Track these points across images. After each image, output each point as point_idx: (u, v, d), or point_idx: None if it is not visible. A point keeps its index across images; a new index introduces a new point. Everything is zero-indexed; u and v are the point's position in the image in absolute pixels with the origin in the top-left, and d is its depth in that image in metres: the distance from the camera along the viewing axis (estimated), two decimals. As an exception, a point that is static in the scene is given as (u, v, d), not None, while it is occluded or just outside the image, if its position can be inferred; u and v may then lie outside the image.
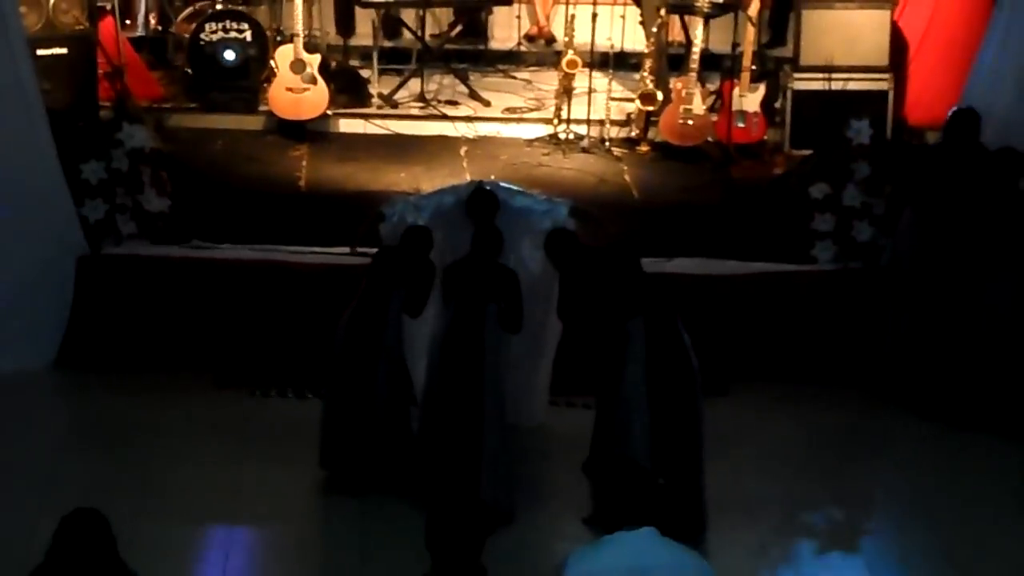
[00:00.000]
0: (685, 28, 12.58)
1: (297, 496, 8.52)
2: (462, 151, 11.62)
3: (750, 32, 11.62)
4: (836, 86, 11.48)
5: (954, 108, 10.00)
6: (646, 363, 7.90)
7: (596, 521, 7.92)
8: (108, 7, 11.88)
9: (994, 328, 9.47)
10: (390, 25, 12.99)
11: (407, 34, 12.91)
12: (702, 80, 11.72)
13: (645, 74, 11.77)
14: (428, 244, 8.55)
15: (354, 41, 12.77)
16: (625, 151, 11.77)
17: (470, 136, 11.87)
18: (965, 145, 9.73)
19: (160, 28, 12.52)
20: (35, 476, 8.60)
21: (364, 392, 8.35)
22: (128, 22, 12.31)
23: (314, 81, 11.63)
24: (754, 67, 11.61)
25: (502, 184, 9.31)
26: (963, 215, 9.54)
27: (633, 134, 11.91)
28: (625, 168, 11.50)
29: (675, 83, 11.70)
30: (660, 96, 11.71)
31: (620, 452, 7.79)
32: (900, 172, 10.19)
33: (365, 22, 12.78)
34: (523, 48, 13.55)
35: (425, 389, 8.37)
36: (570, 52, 11.75)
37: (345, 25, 12.83)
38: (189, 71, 12.02)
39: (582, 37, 11.93)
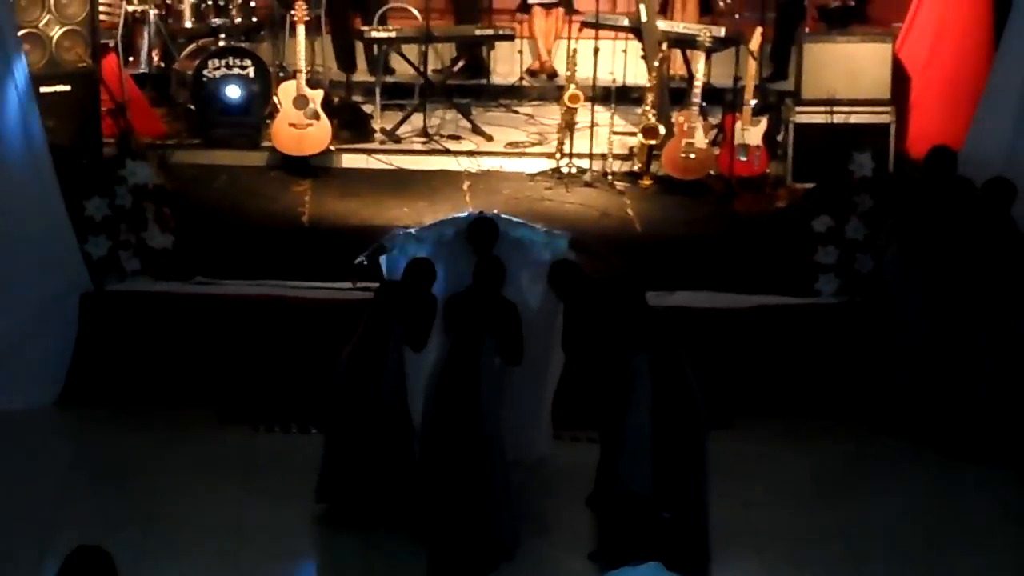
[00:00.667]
0: (687, 62, 12.61)
1: (301, 532, 8.50)
2: (465, 185, 11.63)
3: (752, 66, 11.64)
4: (838, 119, 11.48)
5: (933, 147, 10.13)
6: (651, 399, 7.88)
7: (601, 556, 7.91)
8: (111, 44, 11.94)
9: (981, 358, 9.47)
10: (386, 62, 13.00)
11: (409, 69, 12.93)
12: (704, 114, 11.75)
13: (647, 108, 11.80)
14: (430, 277, 8.55)
15: (356, 77, 12.81)
16: (627, 185, 11.78)
17: (472, 171, 11.88)
18: (944, 179, 9.81)
19: (163, 65, 12.54)
20: (39, 513, 8.56)
21: (365, 426, 8.34)
22: (131, 59, 12.34)
23: (317, 117, 11.65)
24: (756, 101, 11.62)
25: (502, 215, 9.31)
26: (948, 246, 9.56)
27: (635, 168, 11.92)
28: (628, 202, 11.51)
29: (677, 117, 11.73)
30: (662, 130, 11.74)
31: (625, 487, 7.77)
32: (888, 206, 10.26)
33: (367, 60, 12.83)
34: (525, 83, 13.58)
35: (423, 421, 8.34)
36: (572, 87, 11.78)
37: (346, 61, 12.87)
38: (192, 107, 12.05)
39: (584, 72, 11.95)
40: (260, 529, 8.48)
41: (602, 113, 12.09)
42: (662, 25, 12.37)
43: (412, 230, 9.33)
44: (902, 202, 10.09)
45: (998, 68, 10.62)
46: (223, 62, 11.93)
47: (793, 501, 9.09)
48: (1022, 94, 10.39)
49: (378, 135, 12.32)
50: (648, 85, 11.90)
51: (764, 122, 11.66)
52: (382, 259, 9.10)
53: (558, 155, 11.87)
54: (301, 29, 11.58)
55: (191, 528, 8.47)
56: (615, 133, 12.10)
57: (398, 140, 12.31)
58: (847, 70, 11.68)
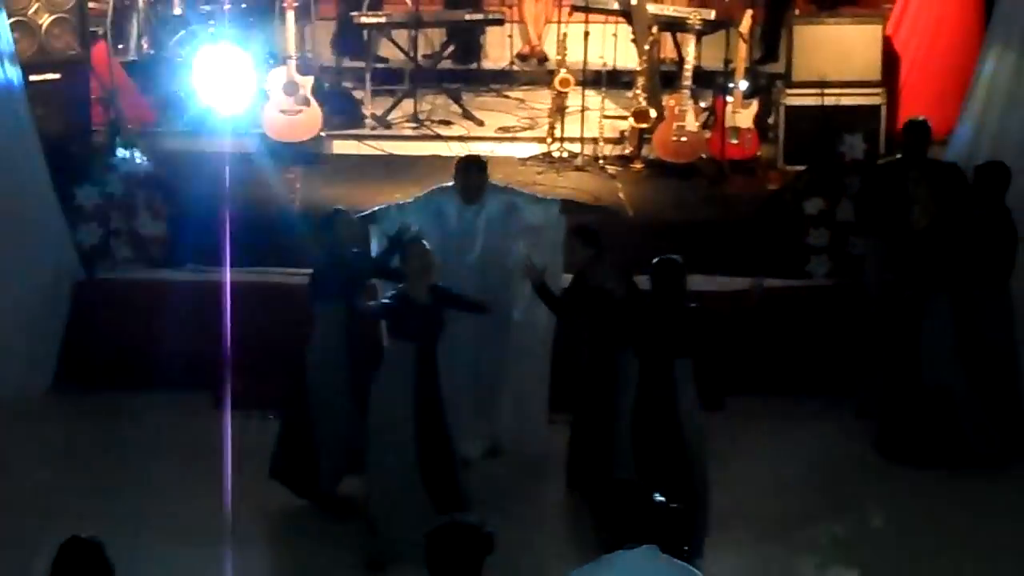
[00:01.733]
0: (677, 45, 12.60)
1: (297, 517, 8.53)
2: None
3: (742, 48, 11.63)
4: (829, 101, 11.49)
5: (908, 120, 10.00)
6: (636, 391, 7.83)
7: (595, 540, 7.87)
8: (100, 32, 11.90)
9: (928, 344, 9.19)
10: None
11: (399, 54, 12.92)
12: (695, 97, 11.74)
13: (638, 91, 11.79)
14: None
15: (347, 62, 12.77)
16: (619, 168, 11.78)
17: (463, 155, 11.86)
18: (918, 153, 9.67)
19: (153, 52, 12.50)
20: (32, 502, 8.57)
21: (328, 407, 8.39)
22: (120, 47, 12.32)
23: (307, 103, 11.63)
24: (746, 83, 11.62)
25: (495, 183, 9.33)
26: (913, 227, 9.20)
27: (627, 151, 11.93)
28: (619, 185, 11.50)
29: (668, 100, 11.72)
30: (653, 113, 11.73)
31: (617, 473, 7.75)
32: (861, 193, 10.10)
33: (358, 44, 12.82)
34: (515, 67, 13.58)
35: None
36: (563, 71, 11.78)
37: (351, 47, 12.84)
38: (182, 94, 12.02)
39: (574, 56, 11.94)
40: (253, 515, 8.47)
41: (593, 97, 12.11)
42: (652, 8, 12.33)
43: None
44: (875, 187, 9.95)
45: (987, 49, 10.58)
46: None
47: (788, 482, 9.10)
48: (1011, 76, 10.36)
49: (368, 121, 12.33)
50: (638, 68, 11.89)
51: (755, 105, 11.66)
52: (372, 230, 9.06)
53: (549, 139, 11.87)
54: (291, 15, 11.56)
55: (184, 514, 8.45)
56: (606, 117, 12.12)
57: (388, 126, 12.32)
58: (837, 52, 11.68)
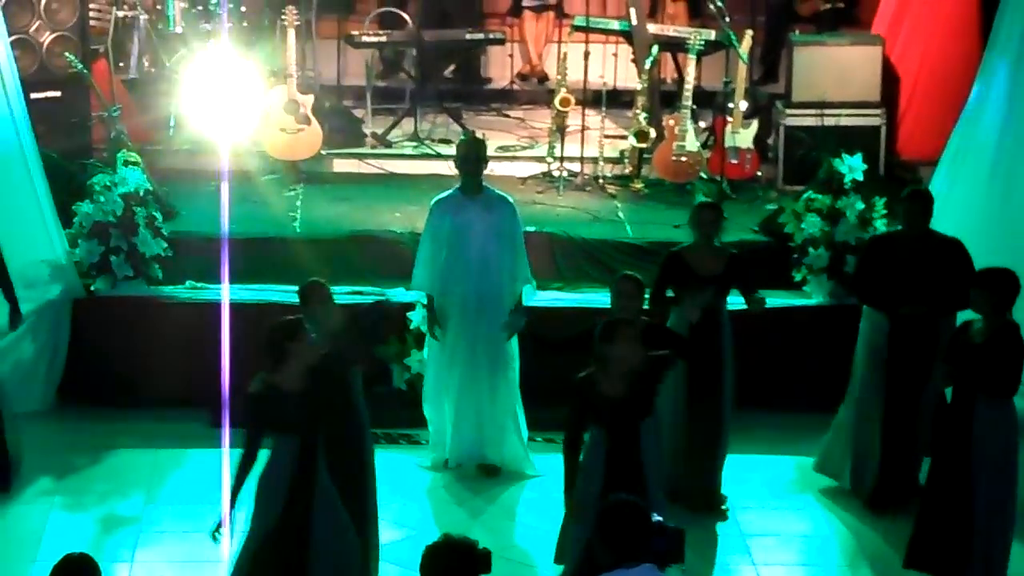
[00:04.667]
0: (677, 65, 12.61)
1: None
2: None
3: (742, 69, 11.63)
4: (828, 122, 11.47)
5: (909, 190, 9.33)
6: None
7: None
8: (101, 50, 11.91)
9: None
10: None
11: (401, 73, 12.93)
12: (695, 117, 11.74)
13: (638, 111, 11.79)
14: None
15: (347, 81, 12.78)
16: (619, 188, 11.80)
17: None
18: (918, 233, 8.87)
19: (153, 70, 12.51)
20: (30, 519, 8.54)
21: None
22: (121, 64, 12.31)
23: (308, 121, 11.64)
24: (746, 103, 11.61)
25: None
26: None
27: (626, 171, 11.93)
28: (619, 205, 11.51)
29: (668, 120, 11.73)
30: (653, 133, 11.74)
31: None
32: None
33: (358, 62, 12.81)
34: (516, 87, 13.60)
35: None
36: (563, 90, 11.79)
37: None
38: (183, 113, 12.01)
39: (575, 75, 11.94)
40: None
41: (593, 116, 12.11)
42: (652, 28, 12.39)
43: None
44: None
45: (984, 70, 10.56)
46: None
47: (786, 500, 9.15)
48: (1007, 95, 10.34)
49: (369, 139, 12.32)
50: (639, 88, 11.89)
51: (755, 125, 11.67)
52: None
53: (549, 159, 11.86)
54: (292, 33, 11.57)
55: (182, 532, 8.44)
56: (606, 136, 12.12)
57: (389, 144, 12.33)
58: (837, 73, 11.70)
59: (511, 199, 9.35)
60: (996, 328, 7.72)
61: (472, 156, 9.19)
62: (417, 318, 9.81)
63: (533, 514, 8.93)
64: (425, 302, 9.34)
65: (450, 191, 9.33)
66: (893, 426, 8.86)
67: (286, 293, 10.14)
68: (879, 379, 8.90)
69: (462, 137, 9.63)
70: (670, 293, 8.86)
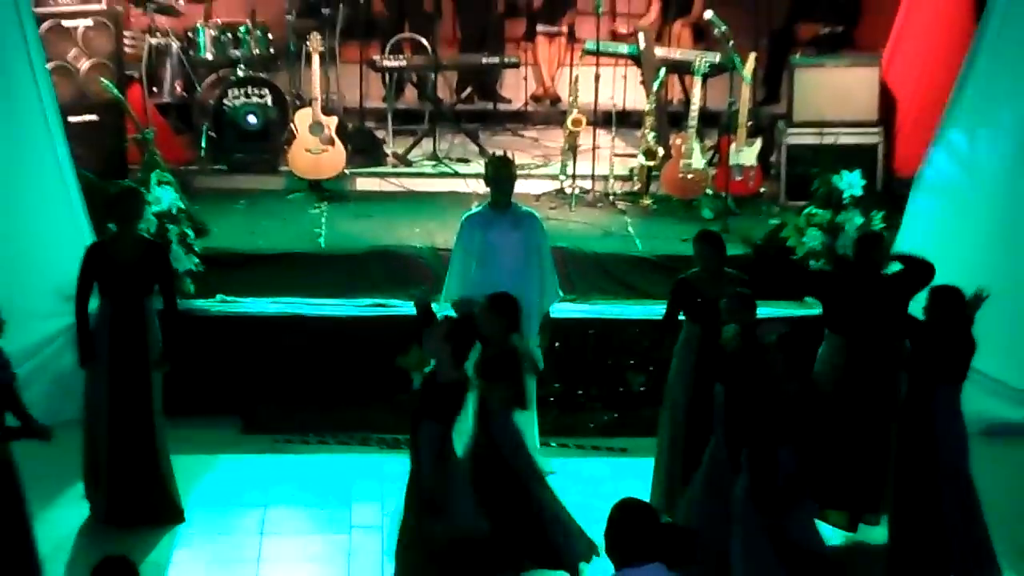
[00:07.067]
0: (684, 87, 12.65)
1: (320, 534, 8.52)
2: (473, 206, 11.62)
3: (745, 90, 11.66)
4: (828, 140, 11.51)
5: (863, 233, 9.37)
6: None
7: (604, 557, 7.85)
8: (136, 76, 11.98)
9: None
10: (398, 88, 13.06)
11: (420, 96, 12.98)
12: (701, 136, 11.77)
13: (646, 131, 11.84)
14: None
15: (369, 103, 12.84)
16: (628, 204, 11.83)
17: (480, 192, 11.88)
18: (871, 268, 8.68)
19: (185, 94, 12.59)
20: (67, 523, 8.58)
21: None
22: (155, 89, 12.39)
23: (332, 142, 11.69)
24: (750, 123, 11.65)
25: None
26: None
27: (636, 188, 11.96)
28: (628, 220, 11.54)
29: (675, 139, 11.76)
30: (661, 152, 11.77)
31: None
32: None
33: (379, 86, 12.86)
34: (530, 108, 13.63)
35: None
36: (575, 111, 11.82)
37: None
38: (213, 134, 12.09)
39: (586, 97, 11.98)
40: (277, 532, 8.51)
41: (603, 136, 12.13)
42: (659, 52, 12.43)
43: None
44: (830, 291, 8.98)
45: (959, 87, 10.49)
46: (242, 91, 12.01)
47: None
48: (982, 112, 10.29)
49: (390, 159, 12.36)
50: (647, 109, 11.94)
51: (758, 143, 11.69)
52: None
53: (562, 176, 11.90)
54: (316, 59, 11.64)
55: (213, 532, 8.49)
56: (616, 155, 12.14)
57: (409, 163, 12.36)
58: (836, 93, 11.73)
59: (537, 214, 9.41)
60: (949, 330, 7.90)
61: (503, 175, 9.24)
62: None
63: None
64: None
65: (479, 207, 9.38)
66: (850, 440, 8.60)
67: (312, 306, 10.24)
68: (836, 397, 8.59)
69: (492, 156, 9.61)
70: (681, 316, 8.75)
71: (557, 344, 9.73)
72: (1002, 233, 10.06)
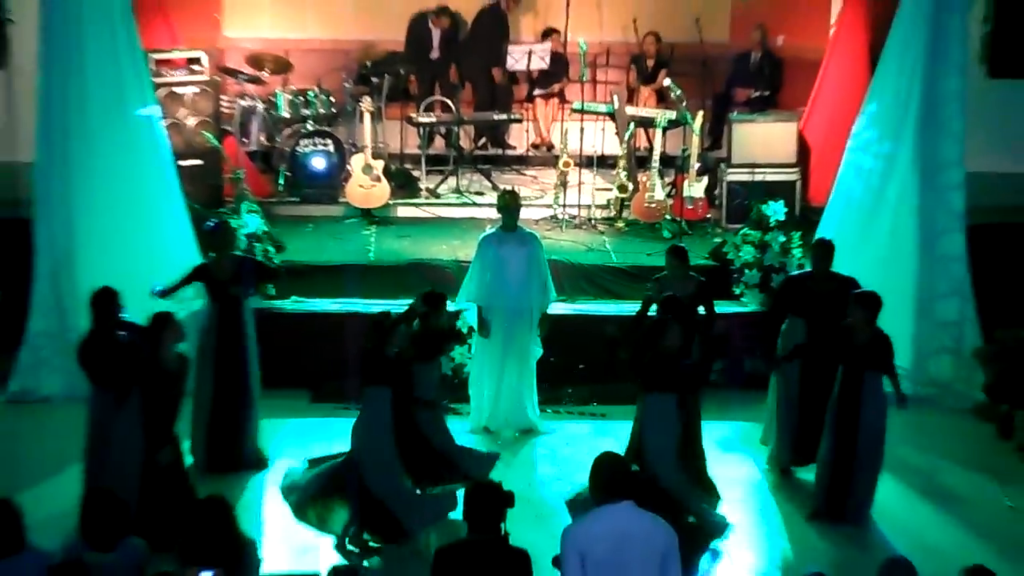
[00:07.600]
0: (648, 137, 12.64)
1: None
2: (488, 229, 11.59)
3: (695, 140, 11.67)
4: (758, 178, 11.51)
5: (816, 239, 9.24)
6: None
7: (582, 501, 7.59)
8: (230, 129, 12.01)
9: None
10: (429, 138, 13.04)
11: (447, 144, 12.96)
12: (661, 174, 11.77)
13: (619, 170, 11.83)
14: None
15: (408, 150, 12.83)
16: (606, 226, 11.81)
17: (493, 218, 11.86)
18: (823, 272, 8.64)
19: (268, 143, 12.60)
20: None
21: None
22: (245, 140, 12.41)
23: (379, 179, 11.70)
24: (699, 164, 11.65)
25: None
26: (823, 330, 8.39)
27: (612, 214, 11.95)
28: (606, 239, 11.54)
29: (642, 177, 11.77)
30: (631, 186, 11.77)
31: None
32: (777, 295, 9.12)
33: (415, 136, 12.85)
34: (530, 153, 13.61)
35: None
36: (565, 155, 11.82)
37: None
38: (289, 174, 12.11)
39: (573, 144, 11.98)
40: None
41: (587, 174, 12.11)
42: (630, 110, 12.43)
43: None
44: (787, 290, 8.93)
45: (856, 130, 10.38)
46: (311, 141, 12.02)
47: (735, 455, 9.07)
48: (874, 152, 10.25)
49: (424, 192, 12.35)
50: (620, 154, 11.93)
51: (705, 180, 11.69)
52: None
53: (555, 206, 11.90)
54: (368, 116, 11.65)
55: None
56: (597, 189, 12.13)
57: (438, 196, 12.35)
58: (764, 142, 11.75)
59: (537, 235, 9.46)
60: (871, 333, 7.90)
61: (511, 204, 9.28)
62: (463, 323, 9.84)
63: (546, 465, 8.94)
64: (472, 311, 9.39)
65: (493, 229, 9.38)
66: (807, 407, 8.62)
67: (364, 305, 10.24)
68: (795, 373, 8.66)
69: (503, 191, 9.66)
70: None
71: (552, 334, 9.74)
72: (891, 244, 10.07)
